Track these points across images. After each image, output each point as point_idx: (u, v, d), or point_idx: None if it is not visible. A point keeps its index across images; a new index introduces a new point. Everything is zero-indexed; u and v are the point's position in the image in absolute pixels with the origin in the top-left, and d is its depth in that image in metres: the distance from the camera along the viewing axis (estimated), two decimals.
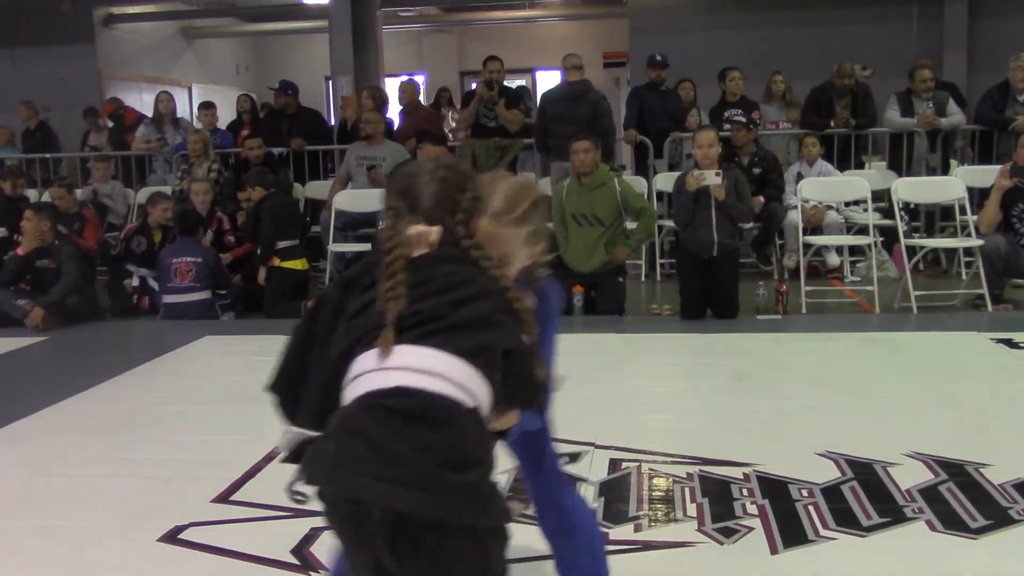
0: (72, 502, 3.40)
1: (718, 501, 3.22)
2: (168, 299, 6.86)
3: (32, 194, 8.79)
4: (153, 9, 13.73)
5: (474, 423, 1.62)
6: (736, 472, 3.48)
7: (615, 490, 3.35)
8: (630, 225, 6.73)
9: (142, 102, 11.81)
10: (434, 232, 1.74)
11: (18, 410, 4.56)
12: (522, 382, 1.74)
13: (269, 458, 3.62)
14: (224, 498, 3.32)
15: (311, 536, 2.96)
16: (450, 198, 1.79)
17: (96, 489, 3.51)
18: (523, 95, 9.08)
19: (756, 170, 7.57)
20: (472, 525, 1.58)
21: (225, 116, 10.56)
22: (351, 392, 1.63)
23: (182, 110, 11.54)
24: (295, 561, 2.81)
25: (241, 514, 3.16)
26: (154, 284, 7.09)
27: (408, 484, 1.53)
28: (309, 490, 1.63)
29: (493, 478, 1.65)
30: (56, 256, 6.77)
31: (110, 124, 10.48)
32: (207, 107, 9.85)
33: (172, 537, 3.03)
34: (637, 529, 3.03)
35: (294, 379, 1.81)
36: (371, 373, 1.62)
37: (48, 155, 10.12)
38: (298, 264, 7.14)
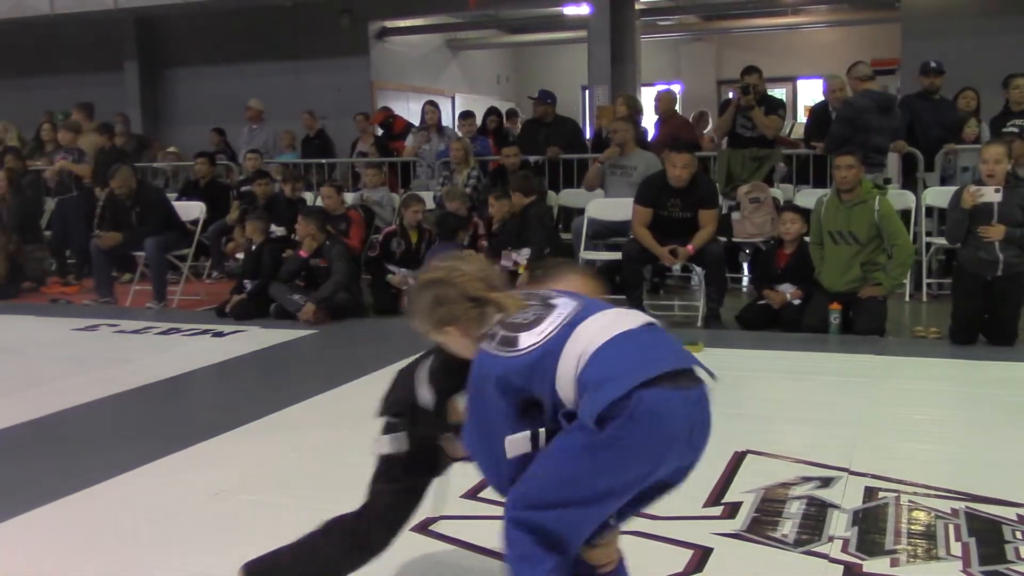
0: (330, 487, 3.61)
1: (987, 542, 2.98)
2: None
3: (308, 196, 9.47)
4: (422, 23, 14.43)
5: None
6: (1009, 512, 3.20)
7: (871, 520, 3.17)
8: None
9: (408, 111, 12.44)
10: None
11: (290, 396, 4.93)
12: None
13: None
14: (473, 494, 3.42)
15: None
16: None
17: (358, 477, 3.70)
18: (781, 104, 8.84)
19: None
20: None
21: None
22: None
23: (446, 119, 12.05)
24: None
25: (488, 511, 3.23)
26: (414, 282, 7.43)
27: None
28: None
29: None
30: (327, 256, 7.25)
31: (379, 132, 11.11)
32: (467, 116, 10.24)
33: (423, 528, 3.15)
34: (894, 564, 2.85)
35: None
36: None
37: (323, 160, 10.86)
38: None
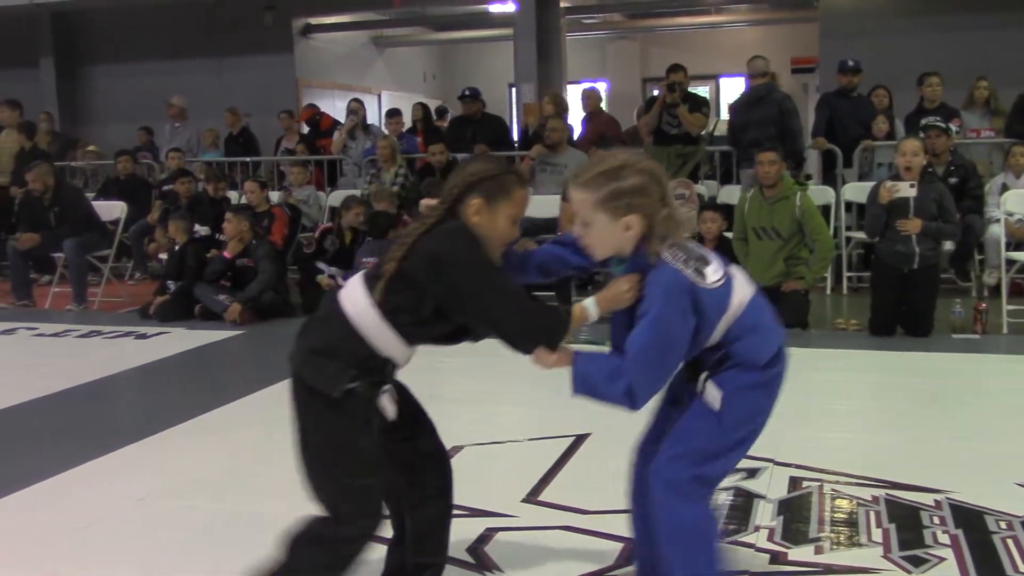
0: (259, 490, 3.57)
1: (906, 528, 3.06)
2: None
3: (233, 196, 9.32)
4: (347, 19, 14.31)
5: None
6: (927, 498, 3.30)
7: (795, 509, 3.24)
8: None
9: (335, 108, 12.31)
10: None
11: (217, 398, 4.86)
12: None
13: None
14: None
15: (486, 536, 3.01)
16: None
17: (285, 479, 3.66)
18: (705, 102, 8.99)
19: (953, 179, 7.19)
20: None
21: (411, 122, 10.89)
22: None
23: (372, 116, 11.98)
24: (470, 560, 2.86)
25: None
26: (343, 283, 7.37)
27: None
28: None
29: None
30: (254, 255, 7.15)
31: (305, 129, 10.99)
32: (394, 114, 10.20)
33: None
34: (818, 551, 2.92)
35: None
36: None
37: (248, 159, 10.71)
38: None
